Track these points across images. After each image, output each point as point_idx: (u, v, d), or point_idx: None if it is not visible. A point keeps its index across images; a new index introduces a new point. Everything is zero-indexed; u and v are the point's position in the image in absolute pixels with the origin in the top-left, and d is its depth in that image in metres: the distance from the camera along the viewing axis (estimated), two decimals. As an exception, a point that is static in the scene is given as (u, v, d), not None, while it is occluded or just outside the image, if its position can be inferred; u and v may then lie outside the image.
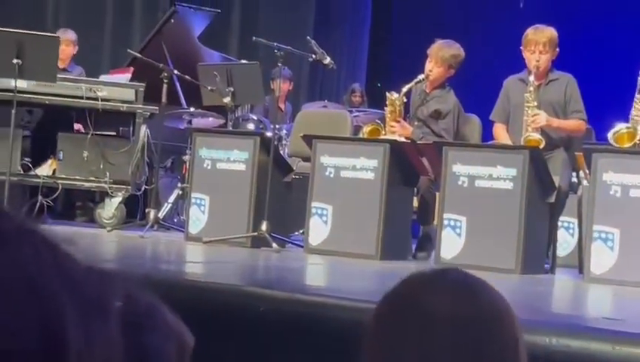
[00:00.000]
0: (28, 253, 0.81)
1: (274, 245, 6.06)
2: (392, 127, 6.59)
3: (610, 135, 5.82)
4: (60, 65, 7.91)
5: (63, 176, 7.42)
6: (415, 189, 6.50)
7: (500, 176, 5.74)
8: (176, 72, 7.48)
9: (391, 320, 1.30)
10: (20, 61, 6.95)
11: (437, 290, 1.29)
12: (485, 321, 1.28)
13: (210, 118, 7.99)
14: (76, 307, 0.82)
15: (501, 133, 6.37)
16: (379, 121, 6.82)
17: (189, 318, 0.99)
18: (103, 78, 7.91)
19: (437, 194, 6.25)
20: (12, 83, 7.00)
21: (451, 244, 5.81)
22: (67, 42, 8.08)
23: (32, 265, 0.81)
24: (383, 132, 6.60)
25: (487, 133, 6.79)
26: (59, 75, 7.29)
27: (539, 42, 6.16)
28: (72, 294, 0.82)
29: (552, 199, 5.90)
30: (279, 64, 6.79)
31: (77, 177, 7.44)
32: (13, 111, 7.00)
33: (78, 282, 0.83)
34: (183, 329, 0.91)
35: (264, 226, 6.13)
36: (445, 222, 5.83)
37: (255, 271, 5.19)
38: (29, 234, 0.83)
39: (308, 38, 7.14)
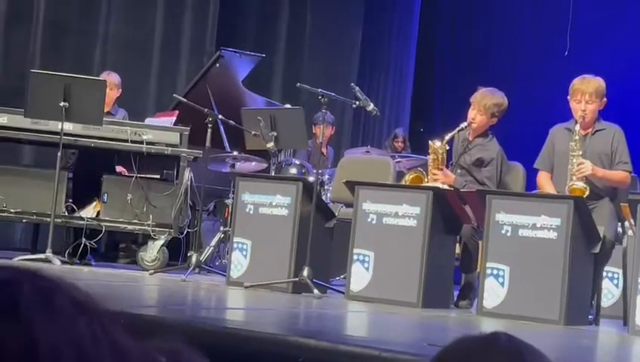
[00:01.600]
0: (82, 327, 0.83)
1: (315, 291, 6.00)
2: (434, 175, 6.53)
3: (656, 186, 5.73)
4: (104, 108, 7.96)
5: (107, 218, 7.45)
6: (458, 237, 6.43)
7: (544, 226, 5.66)
8: (220, 116, 7.50)
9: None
10: (66, 104, 7.02)
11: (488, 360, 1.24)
12: None
13: (253, 163, 8.00)
14: None
15: (545, 182, 6.29)
16: (421, 169, 6.77)
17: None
18: (149, 121, 7.94)
19: (480, 242, 6.18)
20: (58, 125, 7.06)
21: (494, 293, 5.72)
22: (110, 85, 8.10)
23: (85, 339, 0.82)
24: (426, 180, 6.54)
25: (531, 182, 6.71)
26: (104, 119, 7.33)
27: (585, 92, 6.10)
28: None
29: (597, 249, 5.81)
30: (322, 110, 6.77)
31: (120, 219, 7.46)
32: (59, 154, 7.05)
33: (130, 360, 0.84)
34: None
35: (306, 272, 6.09)
36: (488, 271, 5.74)
37: (296, 318, 5.13)
38: (85, 309, 0.84)
39: (352, 84, 7.12)
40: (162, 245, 7.43)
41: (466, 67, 12.47)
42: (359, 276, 6.12)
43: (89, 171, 7.71)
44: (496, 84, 6.92)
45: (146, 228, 7.42)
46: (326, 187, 8.27)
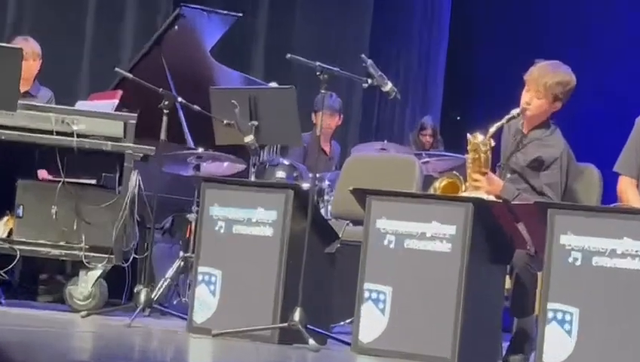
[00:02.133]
0: None
1: (310, 341, 6.04)
2: (475, 180, 6.53)
3: None
4: (21, 87, 7.90)
5: (23, 239, 7.44)
6: (508, 267, 6.40)
7: (628, 252, 5.63)
8: (180, 98, 7.47)
9: None
10: (-34, 81, 6.98)
11: None
12: None
13: (226, 163, 8.01)
14: None
15: (629, 191, 6.33)
16: (457, 173, 6.75)
17: None
18: (81, 105, 7.92)
19: (538, 274, 6.15)
20: (-44, 112, 7.03)
21: (558, 345, 5.70)
22: (29, 55, 8.07)
23: None
24: (463, 187, 6.53)
25: (609, 190, 6.68)
26: (20, 102, 7.28)
27: (685, 66, 6.09)
28: None
29: (702, 284, 5.79)
30: (322, 90, 6.71)
31: (42, 241, 7.44)
32: (-43, 150, 7.03)
33: None
34: None
35: (297, 315, 6.12)
36: (550, 315, 5.73)
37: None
38: None
39: (362, 56, 7.08)
40: (99, 277, 7.43)
41: (518, 34, 12.47)
42: (372, 321, 6.13)
43: (2, 175, 7.66)
44: (558, 57, 6.89)
45: (76, 253, 7.43)
46: (326, 197, 8.26)
